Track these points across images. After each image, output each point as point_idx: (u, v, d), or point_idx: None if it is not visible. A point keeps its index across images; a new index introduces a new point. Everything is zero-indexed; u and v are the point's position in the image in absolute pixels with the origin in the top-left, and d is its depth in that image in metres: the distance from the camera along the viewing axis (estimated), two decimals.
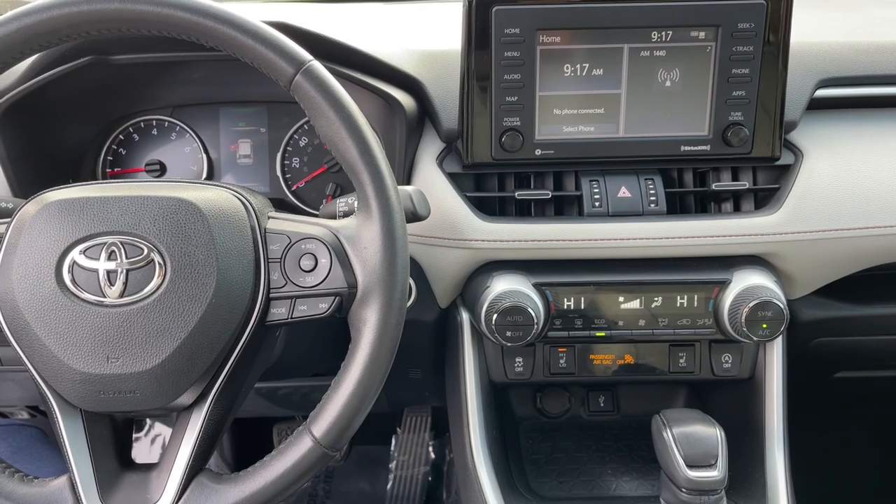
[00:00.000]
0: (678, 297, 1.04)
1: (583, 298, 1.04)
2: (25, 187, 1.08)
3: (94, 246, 0.73)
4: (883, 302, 1.19)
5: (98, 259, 0.73)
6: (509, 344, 1.00)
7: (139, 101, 1.20)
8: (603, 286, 1.04)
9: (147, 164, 1.20)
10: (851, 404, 1.71)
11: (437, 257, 1.05)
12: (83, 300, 0.73)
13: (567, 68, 1.00)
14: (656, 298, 1.04)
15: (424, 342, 1.21)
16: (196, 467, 0.78)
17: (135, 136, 1.22)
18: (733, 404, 1.15)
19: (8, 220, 0.78)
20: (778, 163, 1.06)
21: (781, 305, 0.98)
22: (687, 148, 1.03)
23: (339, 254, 0.77)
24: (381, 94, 1.03)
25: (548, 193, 1.05)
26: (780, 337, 1.07)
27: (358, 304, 0.76)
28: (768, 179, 1.08)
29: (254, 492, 0.74)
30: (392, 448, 1.91)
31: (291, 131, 1.21)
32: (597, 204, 1.04)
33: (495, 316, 0.99)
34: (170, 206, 0.75)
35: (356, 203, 0.80)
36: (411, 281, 1.07)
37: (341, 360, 0.76)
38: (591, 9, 0.97)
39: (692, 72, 1.00)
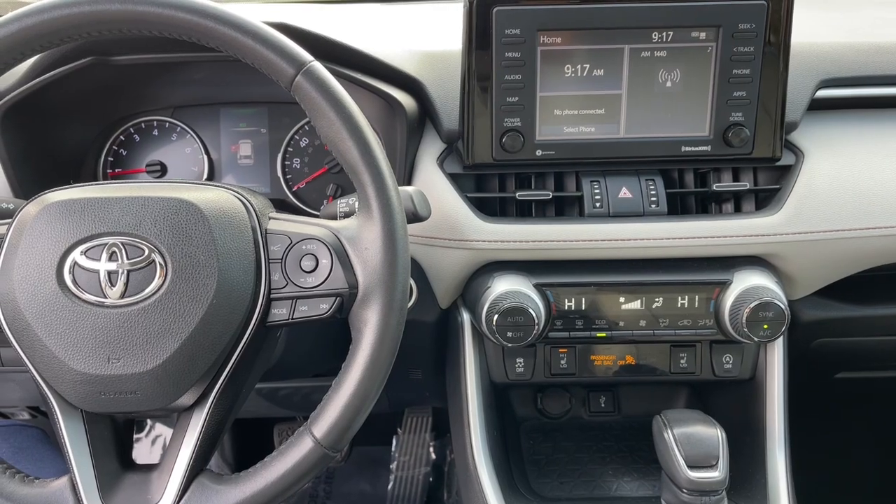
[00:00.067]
0: (679, 298, 1.04)
1: (584, 299, 1.04)
2: (26, 188, 1.08)
3: (95, 247, 0.74)
4: (884, 302, 1.19)
5: (99, 260, 0.73)
6: (510, 344, 1.00)
7: (140, 102, 1.20)
8: (604, 287, 1.04)
9: (148, 165, 1.20)
10: (852, 405, 1.71)
11: (438, 258, 1.05)
12: (84, 301, 0.73)
13: (568, 69, 1.00)
14: (657, 299, 1.04)
15: (425, 343, 1.21)
16: (197, 468, 0.78)
17: (136, 136, 1.22)
18: (734, 405, 1.15)
19: (9, 220, 0.78)
20: (779, 163, 1.06)
21: (782, 306, 0.98)
22: (688, 148, 1.03)
23: (340, 254, 0.77)
24: (382, 95, 1.03)
25: (548, 194, 1.05)
26: (781, 337, 1.07)
27: (359, 304, 0.76)
28: (769, 180, 1.08)
29: (254, 492, 0.74)
30: (393, 449, 1.91)
31: (292, 132, 1.21)
32: (597, 204, 1.04)
33: (496, 316, 0.99)
34: (171, 207, 0.75)
35: (357, 204, 0.80)
36: (412, 281, 1.07)
37: (342, 360, 0.76)
38: (591, 9, 0.97)
39: (693, 72, 1.00)
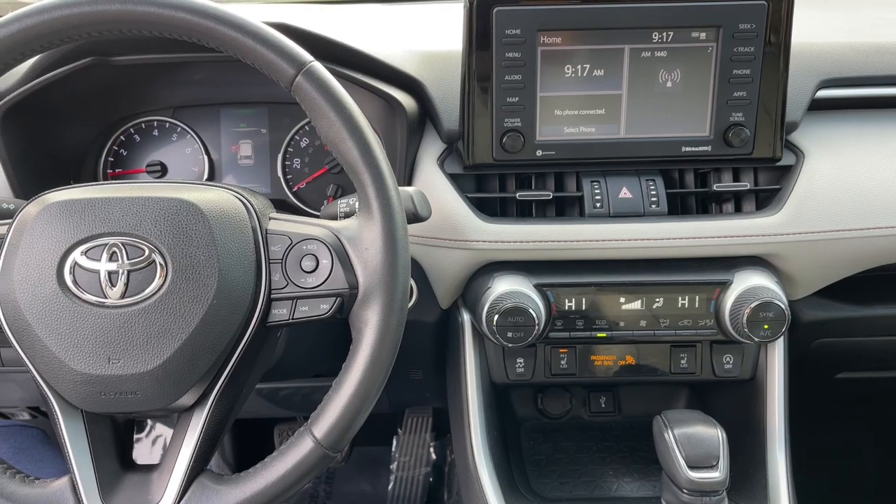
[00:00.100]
0: (679, 298, 1.04)
1: (584, 299, 1.04)
2: (27, 188, 1.08)
3: (95, 247, 0.74)
4: (884, 303, 1.19)
5: (99, 260, 0.73)
6: (510, 345, 1.00)
7: (140, 102, 1.20)
8: (604, 287, 1.04)
9: (148, 165, 1.21)
10: (853, 405, 1.71)
11: (439, 258, 1.05)
12: (84, 301, 0.73)
13: (568, 69, 1.00)
14: (657, 299, 1.04)
15: (425, 343, 1.21)
16: (197, 468, 0.78)
17: (136, 137, 1.22)
18: (735, 405, 1.15)
19: (9, 221, 0.78)
20: (779, 163, 1.06)
21: (783, 306, 0.98)
22: (688, 149, 1.03)
23: (341, 255, 0.77)
24: (382, 95, 1.03)
25: (549, 194, 1.05)
26: (782, 338, 1.07)
27: (359, 304, 0.76)
28: (769, 180, 1.08)
29: (255, 493, 0.74)
30: (393, 449, 1.91)
31: (292, 132, 1.21)
32: (598, 205, 1.04)
33: (496, 317, 0.99)
34: (171, 207, 0.75)
35: (357, 204, 0.80)
36: (412, 282, 1.07)
37: (342, 360, 0.76)
38: (591, 10, 0.97)
39: (693, 72, 1.00)
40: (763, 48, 0.98)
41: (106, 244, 0.73)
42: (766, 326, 0.99)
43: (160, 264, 0.74)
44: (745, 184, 1.06)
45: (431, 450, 1.90)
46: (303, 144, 1.21)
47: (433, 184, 1.05)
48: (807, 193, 1.04)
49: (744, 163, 1.06)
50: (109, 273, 0.73)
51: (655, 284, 1.04)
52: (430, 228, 1.02)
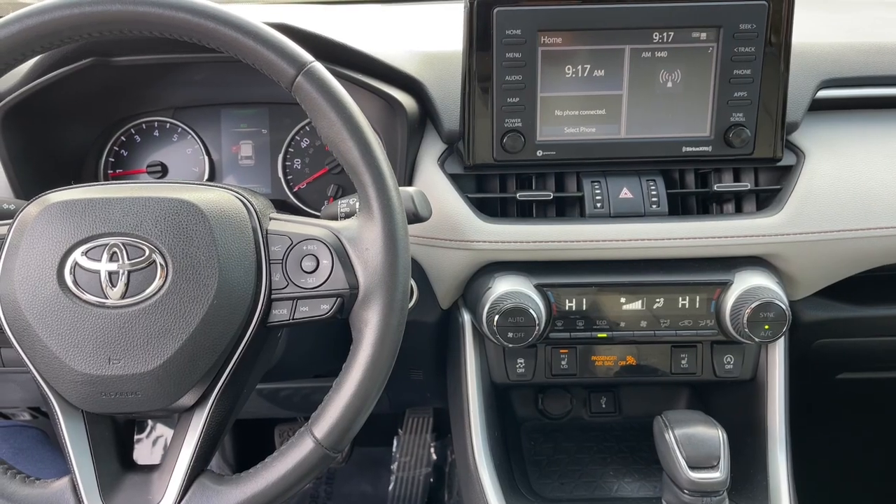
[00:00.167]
0: (680, 298, 1.04)
1: (584, 299, 1.04)
2: (27, 188, 1.08)
3: (95, 247, 0.74)
4: (885, 303, 1.19)
5: (100, 260, 0.73)
6: (511, 345, 1.00)
7: (141, 103, 1.21)
8: (605, 287, 1.04)
9: (149, 166, 1.21)
10: (854, 406, 1.71)
11: (439, 258, 1.05)
12: (85, 301, 0.73)
13: (568, 69, 1.00)
14: (658, 299, 1.04)
15: (426, 343, 1.21)
16: (198, 468, 0.78)
17: (136, 137, 1.22)
18: (735, 405, 1.15)
19: (10, 221, 0.78)
20: (780, 164, 1.05)
21: (783, 306, 0.98)
22: (688, 149, 1.03)
23: (341, 255, 0.77)
24: (383, 96, 1.03)
25: (549, 194, 1.05)
26: (782, 338, 1.07)
27: (359, 305, 0.76)
28: (770, 180, 1.08)
29: (255, 493, 0.74)
30: (394, 449, 1.91)
31: (293, 132, 1.21)
32: (598, 205, 1.04)
33: (497, 317, 0.99)
34: (171, 208, 0.75)
35: (357, 204, 0.80)
36: (413, 282, 1.07)
37: (343, 361, 0.76)
38: (592, 10, 0.97)
39: (693, 73, 1.00)
40: (764, 48, 0.98)
41: (106, 244, 0.73)
42: (766, 327, 0.99)
43: (160, 264, 0.74)
44: (746, 184, 1.06)
45: (432, 450, 1.90)
46: (303, 145, 1.21)
47: (434, 184, 1.05)
48: (807, 194, 1.04)
49: (744, 163, 1.06)
50: (110, 273, 0.73)
51: (656, 285, 1.04)
52: (430, 229, 1.02)
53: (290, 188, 1.22)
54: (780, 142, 1.03)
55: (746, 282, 1.01)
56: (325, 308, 0.77)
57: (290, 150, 1.22)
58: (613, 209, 1.04)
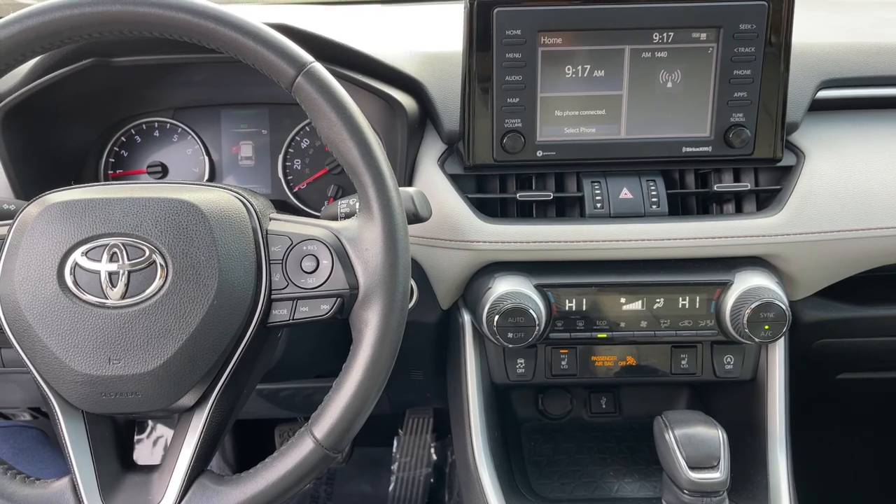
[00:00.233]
0: (680, 299, 1.04)
1: (584, 300, 1.04)
2: (27, 189, 1.08)
3: (95, 247, 0.74)
4: (886, 303, 1.19)
5: (100, 261, 0.73)
6: (511, 345, 1.00)
7: (141, 103, 1.21)
8: (605, 287, 1.04)
9: (149, 166, 1.21)
10: (854, 406, 1.71)
11: (439, 259, 1.05)
12: (85, 302, 0.73)
13: (568, 70, 1.00)
14: (658, 300, 1.04)
15: (426, 344, 1.21)
16: (198, 469, 0.78)
17: (137, 137, 1.22)
18: (735, 406, 1.15)
19: (10, 221, 0.78)
20: (780, 164, 1.05)
21: (783, 307, 0.98)
22: (688, 149, 1.03)
23: (341, 255, 0.77)
24: (383, 96, 1.03)
25: (549, 195, 1.05)
26: (783, 338, 1.07)
27: (359, 305, 0.76)
28: (770, 181, 1.08)
29: (255, 493, 0.74)
30: (394, 450, 1.91)
31: (293, 133, 1.21)
32: (598, 205, 1.04)
33: (497, 317, 0.99)
34: (171, 208, 0.75)
35: (358, 204, 0.80)
36: (413, 282, 1.07)
37: (343, 361, 0.76)
38: (592, 10, 0.97)
39: (693, 73, 1.00)
40: (763, 48, 0.98)
41: (106, 245, 0.74)
42: (766, 327, 0.99)
43: (160, 265, 0.74)
44: (746, 184, 1.06)
45: (432, 450, 1.90)
46: (303, 145, 1.22)
47: (434, 184, 1.05)
48: (807, 194, 1.04)
49: (744, 163, 1.06)
50: (110, 274, 0.73)
51: (656, 285, 1.04)
52: (430, 229, 1.02)
53: (291, 188, 1.22)
54: (780, 142, 1.03)
55: (746, 282, 1.01)
56: (325, 308, 0.77)
57: (291, 150, 1.22)
58: (613, 209, 1.04)
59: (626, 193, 1.05)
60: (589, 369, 1.12)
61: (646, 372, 1.12)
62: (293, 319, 0.78)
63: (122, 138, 1.22)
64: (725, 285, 1.02)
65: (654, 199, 1.05)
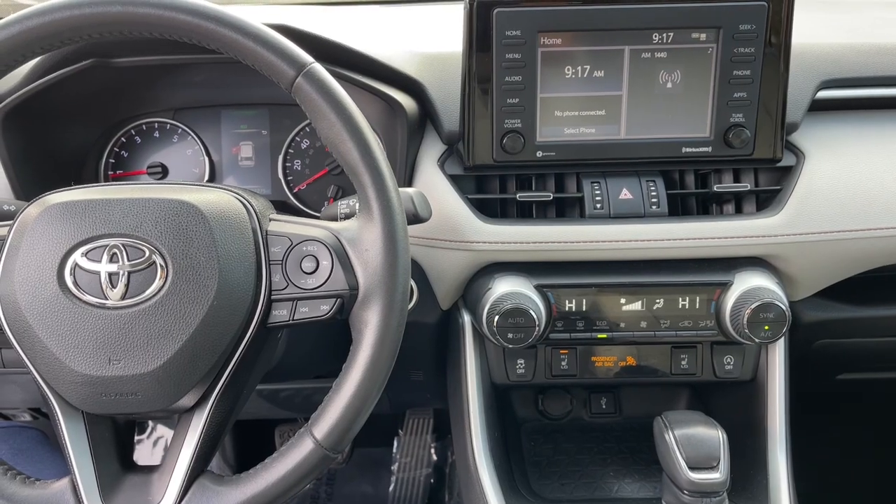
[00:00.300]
0: (680, 299, 1.04)
1: (584, 300, 1.04)
2: (27, 189, 1.08)
3: (95, 248, 0.74)
4: (886, 303, 1.19)
5: (100, 261, 0.73)
6: (511, 346, 1.00)
7: (141, 104, 1.21)
8: (604, 288, 1.04)
9: (149, 167, 1.21)
10: (854, 406, 1.71)
11: (439, 259, 1.05)
12: (85, 302, 0.73)
13: (568, 70, 1.00)
14: (658, 300, 1.04)
15: (426, 344, 1.21)
16: (198, 469, 0.78)
17: (137, 138, 1.22)
18: (735, 406, 1.15)
19: (10, 222, 0.78)
20: (779, 164, 1.05)
21: (783, 307, 0.98)
22: (688, 149, 1.03)
23: (341, 256, 0.77)
24: (383, 97, 1.03)
25: (549, 195, 1.05)
26: (783, 339, 1.07)
27: (359, 305, 0.76)
28: (770, 181, 1.08)
29: (255, 494, 0.74)
30: (394, 450, 1.91)
31: (293, 134, 1.21)
32: (598, 206, 1.04)
33: (497, 318, 0.99)
34: (171, 209, 0.75)
35: (357, 205, 0.80)
36: (413, 283, 1.07)
37: (343, 362, 0.76)
38: (592, 11, 0.97)
39: (693, 73, 1.00)
40: (763, 49, 0.98)
41: (106, 245, 0.74)
42: (766, 327, 0.99)
43: (160, 265, 0.74)
44: (746, 185, 1.06)
45: (432, 451, 1.90)
46: (303, 146, 1.22)
47: (433, 185, 1.05)
48: (807, 194, 1.04)
49: (744, 164, 1.06)
50: (110, 274, 0.73)
51: (656, 285, 1.04)
52: (430, 229, 1.02)
53: (291, 189, 1.22)
54: (780, 142, 1.03)
55: (746, 282, 1.01)
56: (324, 309, 0.77)
57: (291, 151, 1.22)
58: (613, 210, 1.04)
59: (625, 194, 1.05)
60: (589, 370, 1.12)
61: (646, 372, 1.12)
62: (293, 320, 0.78)
63: (122, 139, 1.22)
64: (725, 286, 1.02)
65: (653, 200, 1.05)
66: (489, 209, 1.06)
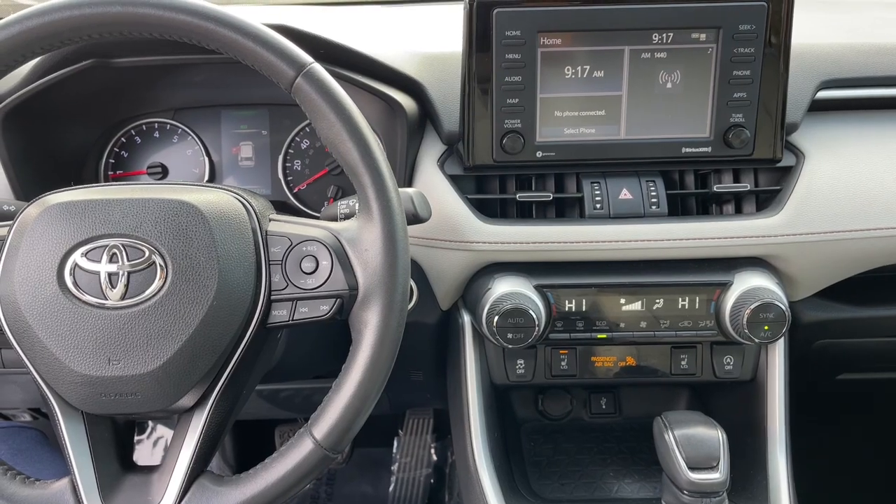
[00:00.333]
0: (680, 299, 1.04)
1: (584, 300, 1.04)
2: (27, 190, 1.08)
3: (95, 248, 0.74)
4: (885, 304, 1.19)
5: (100, 261, 0.73)
6: (511, 346, 1.00)
7: (141, 104, 1.21)
8: (604, 288, 1.04)
9: (149, 167, 1.21)
10: (854, 406, 1.71)
11: (439, 259, 1.05)
12: (85, 302, 0.73)
13: (568, 70, 1.00)
14: (658, 300, 1.04)
15: (426, 344, 1.21)
16: (197, 469, 0.78)
17: (137, 138, 1.22)
18: (735, 406, 1.15)
19: (10, 222, 0.78)
20: (779, 164, 1.05)
21: (783, 307, 0.98)
22: (688, 150, 1.03)
23: (341, 256, 0.77)
24: (382, 97, 1.03)
25: (549, 195, 1.05)
26: (782, 339, 1.07)
27: (359, 306, 0.76)
28: (770, 181, 1.08)
29: (255, 494, 0.74)
30: (394, 450, 1.91)
31: (293, 134, 1.21)
32: (598, 206, 1.04)
33: (496, 318, 0.99)
34: (171, 209, 0.75)
35: (357, 205, 0.80)
36: (412, 283, 1.07)
37: (342, 362, 0.76)
38: (591, 11, 0.97)
39: (693, 74, 1.00)
40: (763, 49, 0.98)
41: (106, 245, 0.74)
42: (766, 327, 0.99)
43: (160, 266, 0.74)
44: (746, 185, 1.06)
45: (432, 451, 1.90)
46: (303, 146, 1.22)
47: (433, 185, 1.05)
48: (807, 194, 1.04)
49: (744, 164, 1.06)
50: (109, 274, 0.73)
51: (656, 285, 1.04)
52: (430, 230, 1.02)
53: (290, 189, 1.22)
54: (780, 142, 1.03)
55: (746, 282, 1.01)
56: (324, 309, 0.77)
57: (290, 151, 1.22)
58: (613, 210, 1.04)
59: (625, 194, 1.05)
60: (589, 370, 1.12)
61: (645, 372, 1.12)
62: (293, 320, 0.78)
63: (122, 139, 1.22)
64: (725, 286, 1.03)
65: (653, 200, 1.05)
66: (489, 209, 1.06)
